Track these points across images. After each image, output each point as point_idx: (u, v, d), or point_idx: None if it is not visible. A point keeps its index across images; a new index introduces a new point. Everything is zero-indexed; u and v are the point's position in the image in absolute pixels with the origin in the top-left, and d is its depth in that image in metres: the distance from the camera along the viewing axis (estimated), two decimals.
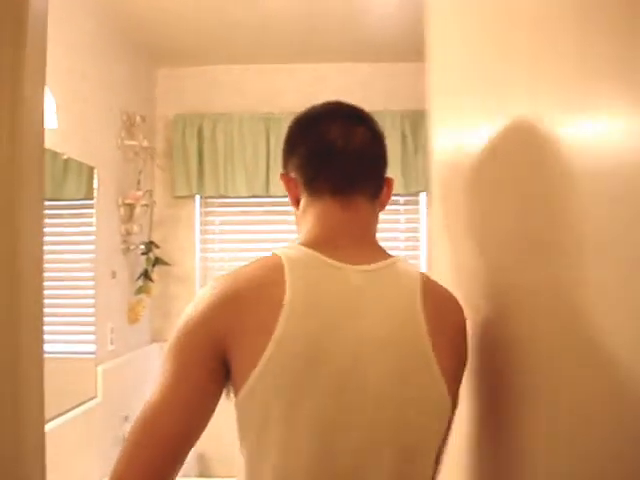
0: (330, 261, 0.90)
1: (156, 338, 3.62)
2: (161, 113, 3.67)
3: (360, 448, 0.85)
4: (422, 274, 0.95)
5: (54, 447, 2.20)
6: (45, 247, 2.58)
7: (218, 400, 0.88)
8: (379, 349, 0.86)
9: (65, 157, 2.37)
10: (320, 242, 0.94)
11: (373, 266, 0.92)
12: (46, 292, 2.69)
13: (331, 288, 0.88)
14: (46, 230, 2.31)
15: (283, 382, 0.83)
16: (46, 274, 2.47)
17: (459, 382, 0.95)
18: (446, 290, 0.98)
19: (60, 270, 2.41)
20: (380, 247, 0.99)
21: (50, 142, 2.22)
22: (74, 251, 2.54)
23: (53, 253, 2.38)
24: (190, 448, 0.86)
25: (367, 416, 0.85)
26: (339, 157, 0.96)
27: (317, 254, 0.90)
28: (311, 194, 0.99)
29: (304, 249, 0.92)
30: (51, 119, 1.97)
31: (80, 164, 2.53)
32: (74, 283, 2.55)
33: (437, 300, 0.93)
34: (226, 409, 0.95)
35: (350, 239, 0.96)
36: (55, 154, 2.30)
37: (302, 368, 0.83)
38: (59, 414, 2.27)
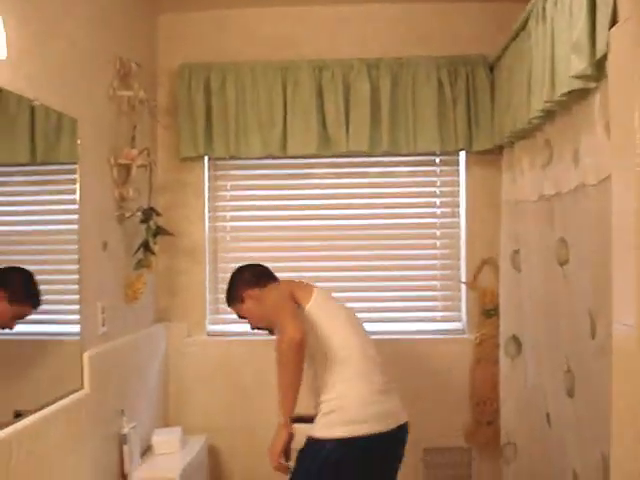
0: None
1: (162, 317, 3.24)
2: (164, 64, 3.23)
3: (359, 339, 2.28)
4: None
5: (33, 445, 1.83)
6: (18, 217, 2.05)
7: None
8: None
9: (37, 103, 1.95)
10: None
11: None
12: (24, 266, 2.14)
13: None
14: (19, 199, 1.91)
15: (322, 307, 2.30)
16: (22, 247, 1.92)
17: None
18: None
19: (34, 242, 2.01)
20: None
21: (10, 82, 1.80)
22: (53, 221, 2.14)
23: (26, 224, 1.99)
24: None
25: (359, 328, 2.34)
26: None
27: None
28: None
29: None
30: None
31: (60, 115, 2.11)
32: (54, 257, 2.15)
33: None
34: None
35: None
36: (19, 98, 1.86)
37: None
38: (37, 408, 1.92)
